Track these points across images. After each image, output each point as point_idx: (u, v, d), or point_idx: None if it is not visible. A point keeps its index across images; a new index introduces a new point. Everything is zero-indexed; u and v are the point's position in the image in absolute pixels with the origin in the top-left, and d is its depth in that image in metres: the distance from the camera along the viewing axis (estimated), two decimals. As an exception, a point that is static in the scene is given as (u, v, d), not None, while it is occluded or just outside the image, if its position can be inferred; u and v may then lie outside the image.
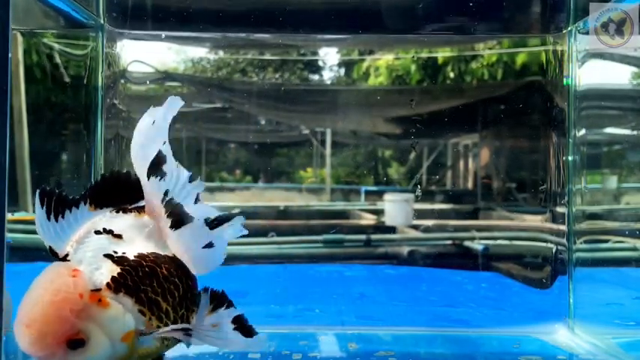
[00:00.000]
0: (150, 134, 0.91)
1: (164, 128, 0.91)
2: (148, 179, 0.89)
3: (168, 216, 0.88)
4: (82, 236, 0.88)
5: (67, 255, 0.86)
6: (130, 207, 0.94)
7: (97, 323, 0.81)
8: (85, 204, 0.90)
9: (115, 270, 0.85)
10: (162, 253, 0.90)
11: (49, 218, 0.86)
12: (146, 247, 0.90)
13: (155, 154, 0.89)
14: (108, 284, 0.84)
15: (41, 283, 0.82)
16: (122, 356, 0.83)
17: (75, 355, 0.80)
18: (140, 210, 0.94)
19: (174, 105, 0.93)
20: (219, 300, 0.93)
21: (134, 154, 0.91)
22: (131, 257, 0.87)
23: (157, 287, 0.86)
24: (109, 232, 0.89)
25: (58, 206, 0.87)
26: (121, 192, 0.94)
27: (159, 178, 0.88)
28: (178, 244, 0.90)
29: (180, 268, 0.90)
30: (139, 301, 0.85)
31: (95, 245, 0.87)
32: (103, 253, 0.86)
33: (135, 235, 0.90)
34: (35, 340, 0.79)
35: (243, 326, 0.92)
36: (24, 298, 0.81)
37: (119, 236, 0.89)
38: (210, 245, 0.90)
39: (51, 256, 0.87)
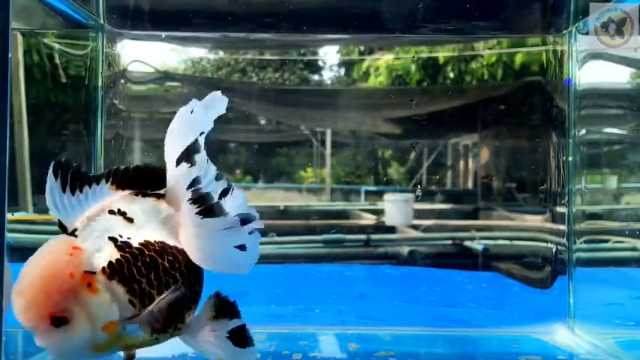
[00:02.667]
0: (188, 122, 0.90)
1: (204, 121, 0.90)
2: (178, 165, 0.87)
3: (194, 202, 0.85)
4: (94, 214, 0.86)
5: (75, 230, 0.85)
6: (150, 192, 0.92)
7: (82, 306, 0.80)
8: (106, 182, 0.89)
9: (115, 255, 0.83)
10: (172, 243, 0.88)
11: (64, 190, 0.85)
12: (155, 234, 0.88)
13: (191, 142, 0.88)
14: (103, 269, 0.82)
15: (39, 254, 0.81)
16: (102, 344, 0.82)
17: (57, 332, 0.79)
18: (159, 197, 0.92)
19: (217, 103, 0.91)
20: (227, 310, 0.91)
21: (168, 138, 0.90)
22: (135, 244, 0.85)
23: (154, 279, 0.84)
24: (122, 213, 0.87)
25: (75, 180, 0.86)
26: (144, 180, 0.93)
27: (189, 165, 0.87)
28: (202, 237, 0.86)
29: (187, 262, 0.88)
30: (131, 292, 0.83)
31: (104, 225, 0.86)
32: (108, 235, 0.85)
33: (148, 220, 0.89)
34: (21, 310, 0.78)
35: (237, 336, 0.90)
36: (24, 265, 0.81)
37: (130, 219, 0.87)
38: (242, 247, 0.87)
39: (59, 229, 0.86)
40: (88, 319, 0.80)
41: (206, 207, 0.85)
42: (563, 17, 1.52)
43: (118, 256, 0.84)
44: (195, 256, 0.88)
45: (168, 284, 0.85)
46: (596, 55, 1.45)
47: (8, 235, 0.85)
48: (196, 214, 0.85)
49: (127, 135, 1.59)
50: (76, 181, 0.86)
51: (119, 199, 0.89)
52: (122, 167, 0.91)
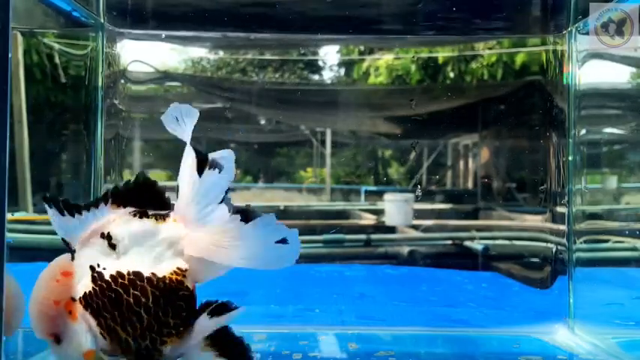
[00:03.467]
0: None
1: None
2: (200, 175, 0.86)
3: (235, 212, 0.85)
4: (89, 236, 0.88)
5: (75, 250, 0.88)
6: (151, 212, 0.90)
7: (65, 331, 0.87)
8: (105, 204, 0.88)
9: (89, 287, 0.86)
10: (150, 272, 0.86)
11: (62, 214, 0.87)
12: (134, 263, 0.87)
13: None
14: (80, 299, 0.86)
15: (38, 278, 0.88)
16: None
17: (58, 347, 0.88)
18: (159, 217, 0.90)
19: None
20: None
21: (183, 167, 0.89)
22: (107, 275, 0.86)
23: (117, 316, 0.85)
24: (109, 237, 0.87)
25: (70, 208, 0.87)
26: (143, 195, 0.91)
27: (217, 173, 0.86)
28: (247, 240, 0.85)
29: (158, 296, 0.86)
30: (100, 325, 0.86)
31: (90, 252, 0.87)
32: (89, 264, 0.87)
33: (133, 246, 0.88)
34: (32, 328, 0.88)
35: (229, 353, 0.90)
36: None
37: (113, 246, 0.87)
38: (284, 241, 0.87)
39: (64, 245, 0.89)
40: (71, 344, 0.87)
41: (244, 212, 0.85)
42: (563, 17, 1.52)
43: (90, 289, 0.86)
44: (236, 261, 0.87)
45: (131, 321, 0.85)
46: (596, 55, 1.45)
47: (8, 235, 0.85)
48: (242, 220, 0.85)
49: (127, 135, 1.59)
50: (71, 209, 0.88)
51: (115, 219, 0.88)
52: (120, 186, 0.90)
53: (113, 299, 0.85)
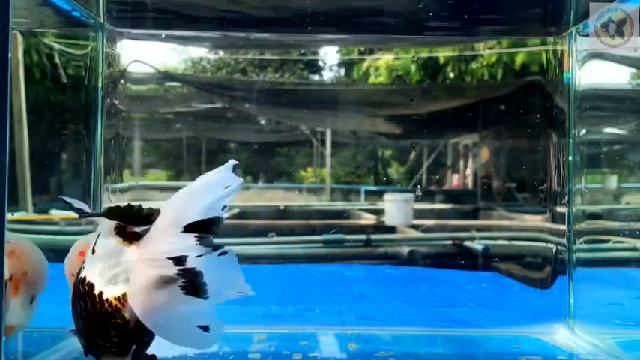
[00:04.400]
0: (214, 190, 0.87)
1: (225, 197, 0.87)
2: (187, 230, 0.82)
3: (185, 279, 0.80)
4: (105, 229, 0.91)
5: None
6: (125, 229, 0.88)
7: None
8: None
9: (76, 275, 0.91)
10: (100, 290, 0.86)
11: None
12: (96, 276, 0.87)
13: (211, 214, 0.83)
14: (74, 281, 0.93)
15: (72, 248, 1.01)
16: None
17: None
18: (135, 237, 0.87)
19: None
20: None
21: (184, 192, 0.87)
22: (81, 274, 0.89)
23: (79, 318, 0.88)
24: (95, 243, 0.90)
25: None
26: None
27: (197, 239, 0.82)
28: (169, 306, 0.82)
29: (93, 316, 0.85)
30: (73, 312, 0.91)
31: (97, 244, 0.90)
32: (86, 258, 0.91)
33: (102, 258, 0.88)
34: None
35: None
36: None
37: (94, 251, 0.89)
38: (205, 328, 0.83)
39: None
40: None
41: (193, 284, 0.81)
42: (563, 17, 1.52)
43: (77, 278, 0.90)
44: (150, 322, 0.84)
45: (77, 324, 0.90)
46: (596, 55, 1.45)
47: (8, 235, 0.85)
48: (180, 286, 0.81)
49: (127, 135, 1.58)
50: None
51: (107, 226, 0.90)
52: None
53: (75, 297, 0.90)
